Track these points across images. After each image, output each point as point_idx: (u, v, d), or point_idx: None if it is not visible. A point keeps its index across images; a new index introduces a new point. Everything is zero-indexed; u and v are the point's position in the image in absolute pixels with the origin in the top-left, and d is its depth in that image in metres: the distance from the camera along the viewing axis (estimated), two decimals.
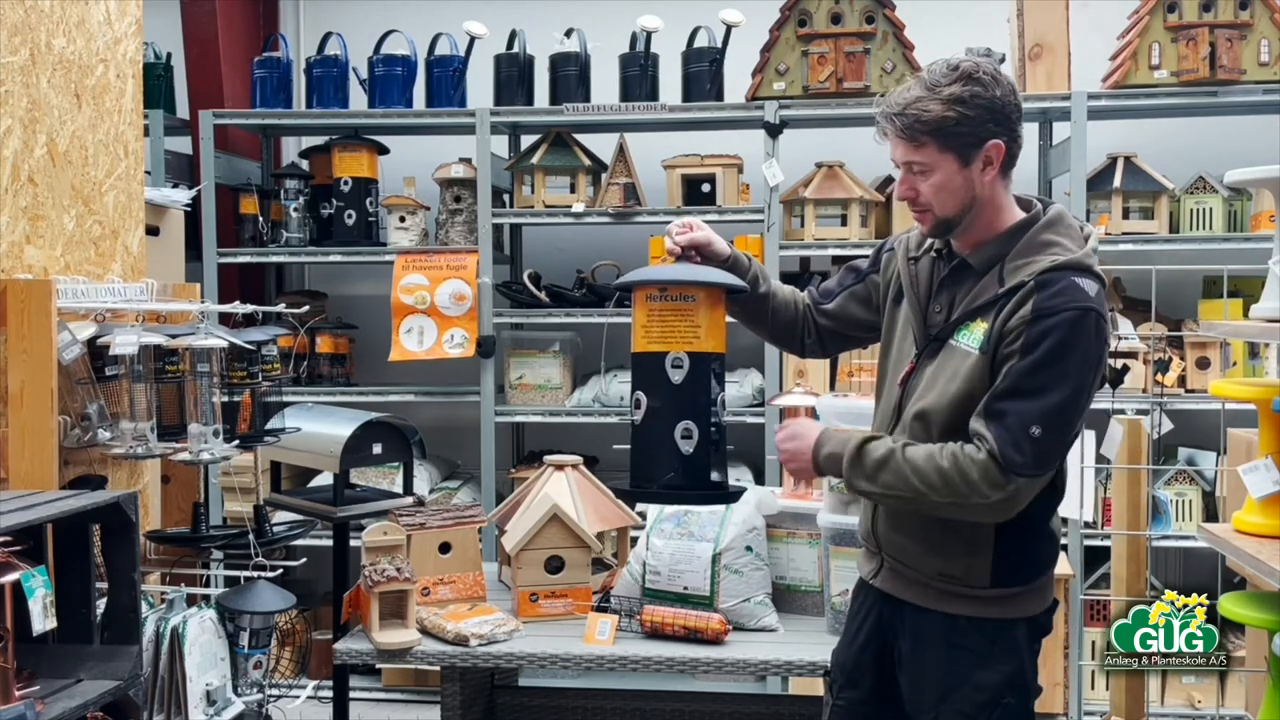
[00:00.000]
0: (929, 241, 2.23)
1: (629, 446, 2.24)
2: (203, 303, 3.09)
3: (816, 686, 3.77)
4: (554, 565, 2.90)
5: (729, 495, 2.31)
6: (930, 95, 2.04)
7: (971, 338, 2.09)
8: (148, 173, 4.20)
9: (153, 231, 3.78)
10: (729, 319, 2.28)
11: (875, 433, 2.16)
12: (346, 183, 4.68)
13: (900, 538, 2.19)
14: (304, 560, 3.44)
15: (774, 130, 4.37)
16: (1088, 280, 2.03)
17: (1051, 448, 2.01)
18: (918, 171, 2.09)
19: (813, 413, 2.96)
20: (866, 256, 2.42)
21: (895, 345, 2.26)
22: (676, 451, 2.16)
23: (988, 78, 2.06)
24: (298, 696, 4.19)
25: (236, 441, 2.94)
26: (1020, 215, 2.14)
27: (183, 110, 5.07)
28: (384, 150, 4.79)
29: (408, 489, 3.37)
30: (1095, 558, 4.23)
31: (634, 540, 3.06)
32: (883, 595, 2.24)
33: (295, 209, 4.70)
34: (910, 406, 2.16)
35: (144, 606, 2.63)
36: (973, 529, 2.10)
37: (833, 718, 2.35)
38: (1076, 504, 3.10)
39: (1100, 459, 3.15)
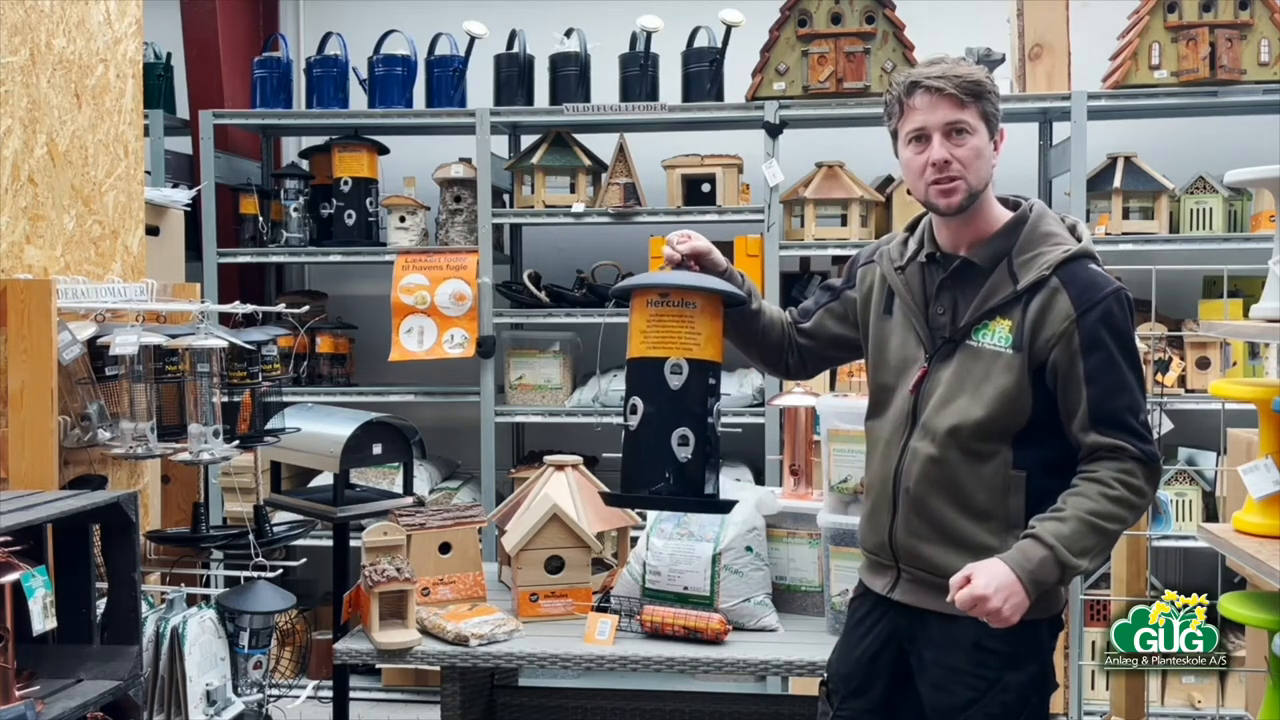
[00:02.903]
0: (911, 249, 2.24)
1: (620, 453, 2.22)
2: (203, 303, 3.09)
3: (816, 687, 3.77)
4: (554, 565, 2.90)
5: (721, 505, 2.26)
6: (965, 64, 2.14)
7: (996, 337, 2.11)
8: (148, 173, 4.20)
9: (153, 231, 3.78)
10: None
11: (1045, 518, 2.04)
12: (346, 183, 4.68)
13: (927, 548, 2.15)
14: (304, 560, 3.44)
15: (774, 130, 4.37)
16: (1098, 266, 2.13)
17: (1149, 422, 2.12)
18: (961, 131, 2.10)
19: (812, 413, 2.96)
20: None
21: (894, 354, 2.24)
22: (672, 458, 2.14)
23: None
24: (298, 696, 4.19)
25: (236, 441, 2.94)
26: (1006, 212, 2.20)
27: (183, 110, 5.07)
28: (384, 150, 4.79)
29: (408, 489, 3.37)
30: None
31: (634, 540, 3.06)
32: (898, 606, 2.21)
33: (295, 209, 4.70)
34: (931, 414, 2.14)
35: (144, 606, 2.63)
36: (1003, 535, 2.10)
37: None
38: None
39: None
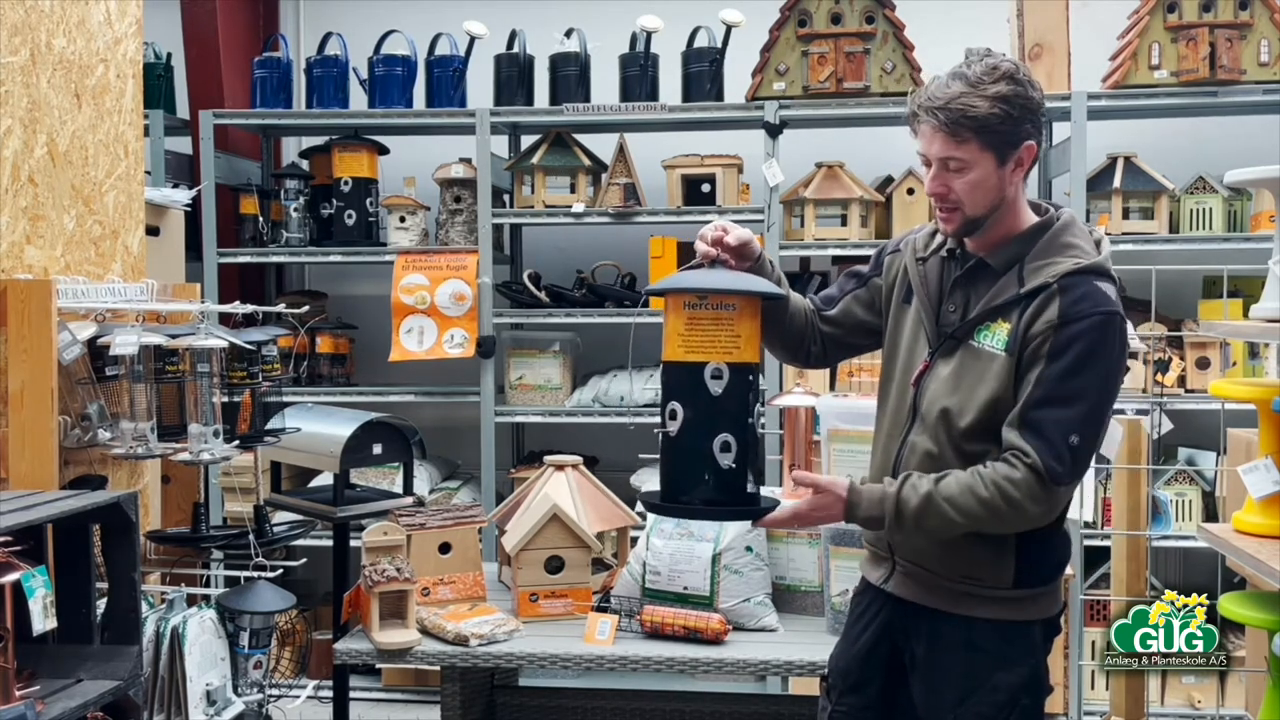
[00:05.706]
0: (936, 242, 2.23)
1: (658, 457, 2.17)
2: (203, 303, 3.09)
3: (816, 686, 3.77)
4: (554, 565, 2.90)
5: (762, 510, 2.24)
6: (974, 91, 2.03)
7: (994, 339, 2.09)
8: (148, 173, 4.20)
9: (153, 231, 3.78)
10: None
11: (903, 477, 2.09)
12: (346, 183, 4.68)
13: (920, 542, 2.16)
14: (304, 560, 3.44)
15: (774, 130, 4.37)
16: (1108, 284, 2.07)
17: (1087, 454, 2.04)
18: (954, 169, 2.07)
19: (813, 413, 2.96)
20: (865, 258, 2.41)
21: (904, 345, 2.24)
22: (714, 465, 2.10)
23: (1026, 79, 2.07)
24: (298, 696, 4.20)
25: (236, 441, 2.94)
26: (1034, 218, 2.15)
27: (183, 110, 5.07)
28: (384, 150, 4.79)
29: (408, 489, 3.37)
30: (1095, 558, 4.23)
31: (634, 540, 3.06)
32: (894, 600, 2.22)
33: (295, 209, 4.70)
34: (928, 405, 2.14)
35: (144, 606, 2.63)
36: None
37: None
38: (1076, 504, 3.10)
39: (1100, 459, 3.15)
